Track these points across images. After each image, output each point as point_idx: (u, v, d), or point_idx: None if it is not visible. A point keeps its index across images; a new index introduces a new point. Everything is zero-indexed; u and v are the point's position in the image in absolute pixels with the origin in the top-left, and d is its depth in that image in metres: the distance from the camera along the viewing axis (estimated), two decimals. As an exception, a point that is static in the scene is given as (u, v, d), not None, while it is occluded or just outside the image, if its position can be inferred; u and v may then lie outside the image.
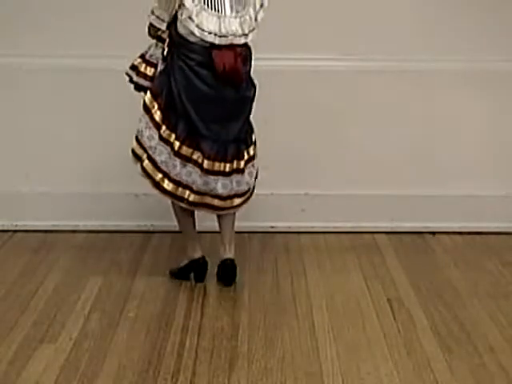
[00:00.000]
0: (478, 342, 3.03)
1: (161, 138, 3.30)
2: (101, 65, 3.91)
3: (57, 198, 4.13)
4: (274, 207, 4.16)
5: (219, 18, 3.20)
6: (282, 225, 4.18)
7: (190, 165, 3.32)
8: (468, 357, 2.92)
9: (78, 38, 3.95)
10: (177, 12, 3.22)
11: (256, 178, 3.53)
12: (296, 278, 3.62)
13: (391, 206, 4.17)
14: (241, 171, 3.40)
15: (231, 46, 3.23)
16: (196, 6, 3.18)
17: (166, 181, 3.34)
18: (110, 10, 3.90)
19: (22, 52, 3.97)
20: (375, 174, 4.14)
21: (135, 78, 3.39)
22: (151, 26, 3.30)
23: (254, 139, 3.48)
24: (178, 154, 3.31)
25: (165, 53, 3.30)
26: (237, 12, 3.24)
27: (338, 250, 3.98)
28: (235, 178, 3.39)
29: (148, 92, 3.32)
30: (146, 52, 3.37)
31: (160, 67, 3.32)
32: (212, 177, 3.33)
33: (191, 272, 3.55)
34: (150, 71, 3.36)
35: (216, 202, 3.40)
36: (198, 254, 3.53)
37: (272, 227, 4.18)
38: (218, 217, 3.56)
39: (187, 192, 3.35)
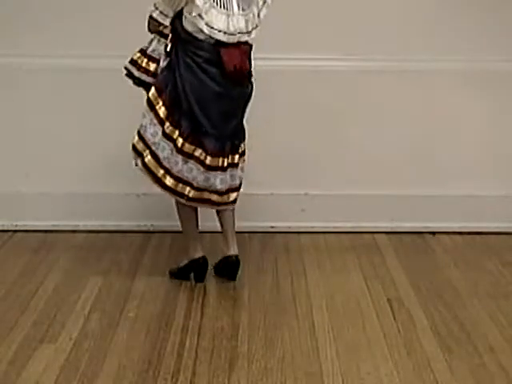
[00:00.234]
0: (478, 342, 3.03)
1: (164, 134, 3.30)
2: (101, 65, 3.91)
3: (57, 198, 4.13)
4: (274, 207, 4.16)
5: (228, 15, 3.20)
6: (281, 225, 4.18)
7: (192, 161, 3.33)
8: (468, 357, 2.92)
9: (78, 37, 3.95)
10: (182, 8, 3.21)
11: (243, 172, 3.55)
12: (296, 278, 3.62)
13: (391, 206, 4.17)
14: (235, 165, 3.42)
15: (237, 44, 3.23)
16: (205, 3, 3.17)
17: (168, 177, 3.34)
18: (109, 10, 3.90)
19: (22, 52, 3.97)
20: (375, 174, 4.14)
21: (137, 74, 3.37)
22: (154, 20, 3.28)
23: (246, 135, 3.49)
24: (180, 150, 3.31)
25: (168, 48, 3.29)
26: (243, 10, 3.24)
27: (338, 250, 3.98)
28: (230, 172, 3.40)
29: (152, 88, 3.31)
30: (147, 47, 3.36)
31: (163, 63, 3.32)
32: (212, 172, 3.35)
33: (191, 272, 3.55)
34: (152, 66, 3.35)
35: (215, 197, 3.41)
36: (198, 254, 3.53)
37: (272, 227, 4.18)
38: (219, 215, 3.56)
39: (187, 188, 3.36)
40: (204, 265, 3.54)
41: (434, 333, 3.10)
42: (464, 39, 4.02)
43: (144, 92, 3.38)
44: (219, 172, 3.36)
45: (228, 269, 3.54)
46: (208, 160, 3.32)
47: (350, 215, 4.17)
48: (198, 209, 3.50)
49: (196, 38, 3.22)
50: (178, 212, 3.51)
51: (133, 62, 3.38)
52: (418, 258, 3.90)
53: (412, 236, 4.15)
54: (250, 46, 3.34)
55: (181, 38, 3.25)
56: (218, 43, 3.22)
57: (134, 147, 3.38)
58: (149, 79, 3.36)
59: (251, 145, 3.54)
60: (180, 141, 3.29)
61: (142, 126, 3.35)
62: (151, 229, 4.15)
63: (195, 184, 3.35)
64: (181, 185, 3.35)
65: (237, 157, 3.42)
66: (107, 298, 3.39)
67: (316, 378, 2.77)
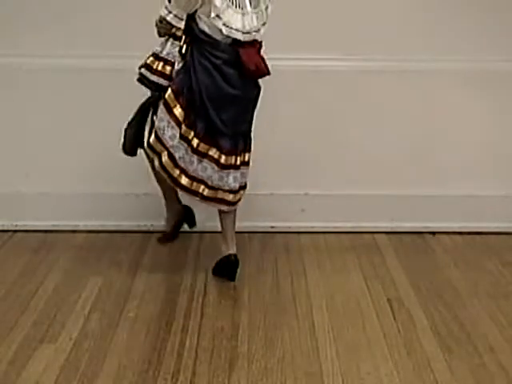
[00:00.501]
0: (478, 342, 3.03)
1: (181, 135, 3.31)
2: (101, 65, 3.91)
3: (57, 198, 4.13)
4: (274, 207, 4.16)
5: (243, 14, 3.21)
6: (281, 225, 4.18)
7: (206, 160, 3.35)
8: (468, 357, 2.92)
9: (78, 37, 3.95)
10: (196, 10, 3.21)
11: None
12: (296, 278, 3.62)
13: (391, 206, 4.17)
14: (247, 163, 3.46)
15: (252, 43, 3.25)
16: (223, 3, 3.17)
17: (183, 176, 3.36)
18: (110, 10, 3.90)
19: (22, 52, 3.97)
20: (375, 174, 4.14)
21: (153, 78, 3.35)
22: (167, 23, 3.25)
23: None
24: (196, 151, 3.33)
25: (183, 50, 3.29)
26: (254, 8, 3.25)
27: (338, 250, 3.98)
28: (242, 170, 3.43)
29: (169, 90, 3.30)
30: (160, 51, 3.35)
31: (178, 65, 3.31)
32: (226, 171, 3.37)
33: (182, 225, 3.76)
34: (167, 69, 3.33)
35: (230, 196, 3.44)
36: (180, 206, 3.70)
37: (272, 227, 4.18)
38: (220, 215, 3.57)
39: (202, 186, 3.38)
40: (190, 210, 3.72)
41: (433, 333, 3.10)
42: (464, 39, 4.02)
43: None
44: (232, 170, 3.38)
45: (227, 269, 3.54)
46: (223, 159, 3.35)
47: (350, 215, 4.17)
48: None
49: (213, 39, 3.23)
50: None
51: (147, 66, 3.36)
52: (418, 258, 3.90)
53: (412, 236, 4.15)
54: (260, 43, 3.34)
55: (197, 40, 3.25)
56: (235, 43, 3.23)
57: (151, 147, 3.36)
58: (166, 82, 3.34)
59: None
60: (196, 141, 3.31)
61: (159, 128, 3.33)
62: (151, 229, 4.15)
63: (209, 183, 3.37)
64: (195, 183, 3.37)
65: (247, 155, 3.45)
66: (107, 298, 3.39)
67: (316, 378, 2.77)
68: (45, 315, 3.22)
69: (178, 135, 3.31)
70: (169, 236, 3.82)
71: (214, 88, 3.26)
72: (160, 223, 4.06)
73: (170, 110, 3.30)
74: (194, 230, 3.99)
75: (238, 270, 3.56)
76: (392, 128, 4.10)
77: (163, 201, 3.78)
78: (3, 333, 3.07)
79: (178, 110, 3.29)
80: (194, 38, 3.25)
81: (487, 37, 4.02)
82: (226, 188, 3.40)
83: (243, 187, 3.50)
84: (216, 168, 3.35)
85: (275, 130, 3.99)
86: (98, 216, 4.13)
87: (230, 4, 3.19)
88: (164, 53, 3.34)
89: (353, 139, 4.11)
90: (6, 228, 4.14)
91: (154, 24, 3.30)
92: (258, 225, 4.15)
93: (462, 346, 3.00)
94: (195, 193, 3.39)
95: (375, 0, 4.00)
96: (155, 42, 3.36)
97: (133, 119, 3.44)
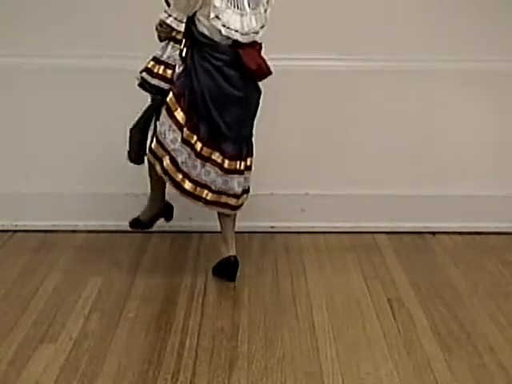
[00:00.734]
0: (477, 341, 3.03)
1: (183, 139, 3.30)
2: (101, 65, 3.91)
3: (57, 198, 4.13)
4: (274, 207, 4.16)
5: (242, 15, 3.21)
6: (281, 225, 4.18)
7: (209, 164, 3.34)
8: (468, 357, 2.92)
9: (78, 38, 3.95)
10: (196, 12, 3.21)
11: None
12: (296, 278, 3.62)
13: (391, 206, 4.17)
14: (250, 168, 3.46)
15: (252, 44, 3.25)
16: (221, 4, 3.18)
17: (187, 181, 3.35)
18: (110, 10, 3.90)
19: (22, 52, 3.97)
20: (375, 174, 4.14)
21: (154, 82, 3.33)
22: (168, 27, 3.24)
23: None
24: (199, 155, 3.32)
25: (183, 53, 3.28)
26: (253, 9, 3.25)
27: (338, 250, 3.98)
28: (245, 174, 3.43)
29: (170, 94, 3.29)
30: (160, 54, 3.33)
31: (179, 68, 3.30)
32: (230, 175, 3.36)
33: (158, 219, 3.71)
34: (168, 73, 3.31)
35: (233, 201, 3.43)
36: (163, 202, 3.66)
37: (272, 227, 4.18)
38: (220, 216, 3.56)
39: (205, 191, 3.37)
40: (169, 207, 3.68)
41: (433, 333, 3.10)
42: (464, 39, 4.02)
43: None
44: (236, 175, 3.38)
45: (227, 270, 3.54)
46: (226, 163, 3.34)
47: (350, 215, 4.17)
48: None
49: (213, 41, 3.23)
50: (150, 173, 3.52)
51: (147, 70, 3.34)
52: (418, 258, 3.90)
53: (412, 236, 4.15)
54: (260, 45, 3.35)
55: (197, 42, 3.24)
56: (235, 44, 3.23)
57: (153, 152, 3.35)
58: (167, 86, 3.32)
59: (253, 149, 3.54)
60: (199, 145, 3.30)
61: (160, 132, 3.31)
62: (151, 229, 4.15)
63: (213, 187, 3.37)
64: (199, 188, 3.36)
65: (249, 159, 3.44)
66: (107, 298, 3.39)
67: (316, 378, 2.77)
68: (45, 315, 3.22)
69: (179, 139, 3.29)
70: (143, 225, 3.72)
71: (216, 89, 3.25)
72: (160, 223, 4.05)
73: (171, 114, 3.29)
74: (194, 230, 4.00)
75: (238, 271, 3.56)
76: (392, 128, 4.10)
77: (148, 191, 3.72)
78: (3, 333, 3.07)
79: (179, 114, 3.28)
80: (194, 40, 3.25)
81: (487, 37, 4.02)
82: (231, 193, 3.40)
83: (246, 191, 3.50)
84: (220, 172, 3.35)
85: (275, 130, 3.99)
86: (98, 216, 4.13)
87: (229, 5, 3.19)
88: (165, 56, 3.33)
89: (353, 139, 4.11)
90: (5, 228, 4.14)
91: (154, 28, 3.29)
92: (258, 225, 4.15)
93: (462, 346, 3.00)
94: (198, 198, 3.38)
95: (375, 0, 4.00)
96: (155, 43, 3.35)
97: (135, 126, 3.42)
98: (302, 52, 3.96)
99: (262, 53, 3.38)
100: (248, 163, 3.44)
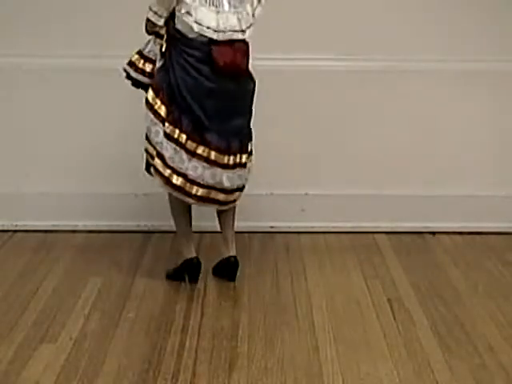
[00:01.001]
0: (477, 341, 3.03)
1: (165, 134, 3.31)
2: (101, 65, 3.91)
3: (57, 198, 4.13)
4: (273, 207, 4.16)
5: (218, 13, 3.21)
6: (281, 225, 4.18)
7: (195, 159, 3.33)
8: (468, 357, 2.92)
9: (78, 37, 3.95)
10: (175, 8, 3.23)
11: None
12: (296, 278, 3.62)
13: (391, 206, 4.17)
14: (243, 165, 3.42)
15: (228, 42, 3.23)
16: (194, 1, 3.19)
17: (175, 176, 3.34)
18: (110, 10, 3.90)
19: (22, 52, 3.97)
20: (375, 174, 4.14)
21: (134, 74, 3.39)
22: (149, 21, 3.29)
23: (252, 135, 3.49)
24: (184, 146, 3.31)
25: (163, 49, 3.30)
26: (235, 8, 3.25)
27: (338, 250, 3.98)
28: (238, 171, 3.41)
29: (150, 89, 3.32)
30: (144, 48, 3.38)
31: (158, 63, 3.33)
32: (219, 169, 3.35)
33: (185, 272, 3.54)
34: (148, 67, 3.36)
35: (221, 196, 3.41)
36: (191, 254, 3.53)
37: (272, 227, 4.18)
38: (219, 216, 3.56)
39: (195, 187, 3.36)
40: (197, 265, 3.53)
41: (433, 333, 3.10)
42: (464, 39, 4.02)
43: (143, 93, 3.38)
44: (225, 170, 3.36)
45: (227, 270, 3.54)
46: (213, 155, 3.32)
47: (350, 215, 4.17)
48: (192, 209, 3.51)
49: (187, 37, 3.23)
50: (172, 212, 3.52)
51: (130, 63, 3.39)
52: (418, 258, 3.90)
53: (412, 236, 4.15)
54: (247, 45, 3.33)
55: (174, 38, 3.27)
56: (211, 41, 3.23)
57: (147, 151, 3.39)
58: (145, 80, 3.37)
59: (249, 147, 3.54)
60: (184, 137, 3.30)
61: (147, 128, 3.35)
62: (151, 229, 4.15)
63: (202, 182, 3.36)
64: (188, 184, 3.35)
65: (244, 157, 3.42)
66: (107, 298, 3.39)
67: (316, 378, 2.77)
68: (45, 315, 3.22)
69: (161, 132, 3.30)
70: (167, 276, 3.59)
71: (190, 80, 3.25)
72: (160, 223, 4.06)
73: (152, 108, 3.31)
74: (194, 230, 4.00)
75: (238, 272, 3.56)
76: (392, 128, 4.10)
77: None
78: (3, 333, 3.07)
79: (160, 108, 3.30)
80: (171, 36, 3.27)
81: (487, 37, 4.02)
82: (218, 187, 3.38)
83: (239, 189, 3.47)
84: (206, 165, 3.33)
85: (275, 130, 3.99)
86: (97, 216, 4.13)
87: (204, 2, 3.20)
88: (146, 50, 3.37)
89: (353, 139, 4.11)
90: (5, 228, 4.14)
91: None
92: (257, 225, 4.15)
93: (462, 346, 3.00)
94: (189, 194, 3.37)
95: (375, 0, 4.00)
96: (155, 42, 3.37)
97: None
98: (302, 52, 3.96)
99: (262, 53, 3.38)
100: (242, 160, 3.40)
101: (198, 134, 3.30)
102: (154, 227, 4.15)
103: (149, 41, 3.37)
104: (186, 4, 3.18)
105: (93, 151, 4.06)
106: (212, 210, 3.55)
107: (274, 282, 3.58)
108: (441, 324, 3.18)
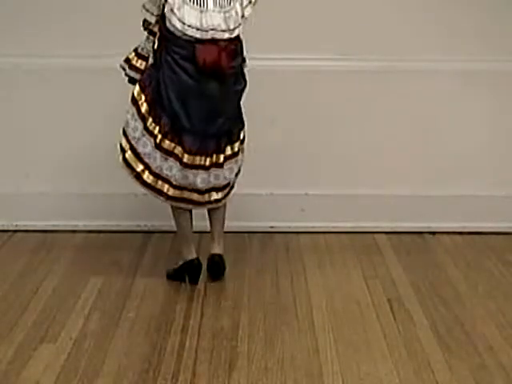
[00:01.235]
0: (477, 341, 3.03)
1: (147, 129, 3.32)
2: (101, 65, 3.91)
3: (57, 198, 4.13)
4: (273, 207, 4.16)
5: (201, 12, 3.21)
6: (281, 225, 4.18)
7: (171, 159, 3.33)
8: (468, 357, 2.92)
9: (77, 38, 3.95)
10: (164, 6, 3.24)
11: (237, 174, 3.53)
12: (296, 278, 3.62)
13: (391, 206, 4.16)
14: (220, 165, 3.39)
15: (214, 41, 3.23)
16: None
17: (147, 173, 3.36)
18: (110, 10, 3.90)
19: (22, 52, 3.97)
20: (375, 174, 4.14)
21: (127, 71, 3.42)
22: (144, 19, 3.33)
23: (242, 136, 3.48)
24: (159, 147, 3.32)
25: (155, 46, 3.32)
26: (221, 7, 3.24)
27: (338, 250, 3.98)
28: (213, 171, 3.39)
29: (137, 84, 3.35)
30: (139, 45, 3.40)
31: (150, 60, 3.35)
32: (191, 171, 3.35)
33: (185, 273, 3.54)
34: (141, 64, 3.38)
35: (195, 196, 3.41)
36: (192, 256, 3.53)
37: (272, 227, 4.18)
38: (209, 214, 3.57)
39: (166, 186, 3.37)
40: (197, 266, 3.53)
41: (433, 333, 3.10)
42: (464, 39, 4.01)
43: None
44: (200, 171, 3.35)
45: (210, 268, 3.54)
46: (185, 158, 3.32)
47: (350, 215, 4.17)
48: (193, 210, 3.51)
49: (174, 35, 3.24)
50: (173, 213, 3.52)
51: (126, 60, 3.42)
52: (418, 258, 3.90)
53: (412, 236, 4.15)
54: (237, 44, 3.31)
55: (163, 36, 3.28)
56: (196, 40, 3.23)
57: (120, 145, 3.41)
58: (138, 76, 3.39)
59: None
60: (159, 137, 3.31)
61: (125, 121, 3.38)
62: (151, 229, 4.16)
63: (174, 182, 3.36)
64: (160, 182, 3.36)
65: (222, 157, 3.39)
66: (107, 298, 3.39)
67: (316, 378, 2.77)
68: (45, 315, 3.22)
69: (140, 128, 3.32)
70: (168, 276, 3.60)
71: (175, 78, 3.25)
72: (160, 223, 4.06)
73: (135, 103, 3.33)
74: (194, 230, 3.99)
75: (226, 268, 3.55)
76: (392, 128, 4.10)
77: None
78: (3, 333, 3.07)
79: (142, 104, 3.32)
80: (162, 34, 3.28)
81: (487, 37, 4.02)
82: (193, 187, 3.38)
83: (218, 189, 3.44)
84: (179, 167, 3.33)
85: (275, 129, 3.99)
86: (97, 216, 4.13)
87: (188, 1, 3.20)
88: (140, 48, 3.40)
89: (353, 139, 4.11)
90: (5, 228, 4.14)
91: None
92: (257, 225, 4.15)
93: (462, 346, 3.00)
94: (159, 192, 3.38)
95: (375, 0, 4.00)
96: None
97: None
98: (301, 52, 3.96)
99: (261, 53, 3.38)
100: (219, 160, 3.37)
101: (175, 134, 3.31)
102: (154, 227, 4.15)
103: (144, 38, 3.39)
104: (168, 3, 3.20)
105: (93, 151, 4.06)
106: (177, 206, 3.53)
107: (274, 282, 3.58)
108: (441, 324, 3.18)
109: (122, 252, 3.89)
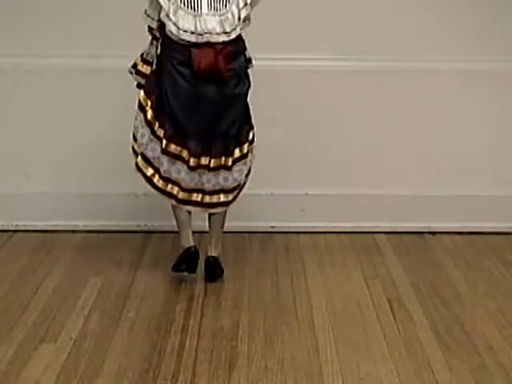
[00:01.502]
0: (477, 341, 3.03)
1: (154, 134, 3.34)
2: (101, 65, 3.92)
3: (57, 198, 4.13)
4: (273, 207, 4.16)
5: (195, 16, 3.22)
6: (281, 225, 4.18)
7: (179, 162, 3.35)
8: (468, 357, 2.92)
9: (77, 38, 3.95)
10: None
11: (247, 175, 3.53)
12: (296, 278, 3.62)
13: (391, 206, 4.16)
14: (228, 168, 3.40)
15: (210, 44, 3.23)
16: (173, 4, 3.21)
17: (157, 177, 3.39)
18: (110, 10, 3.90)
19: (22, 52, 3.97)
20: (375, 174, 4.14)
21: (134, 77, 3.44)
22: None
23: (251, 137, 3.48)
24: (165, 151, 3.35)
25: (158, 51, 3.34)
26: (216, 10, 3.24)
27: (338, 250, 3.98)
28: (222, 173, 3.40)
29: (141, 90, 3.37)
30: (145, 51, 3.41)
31: (154, 66, 3.36)
32: (197, 171, 3.37)
33: (184, 262, 3.53)
34: (146, 69, 3.40)
35: (203, 198, 3.42)
36: (189, 243, 3.53)
37: (272, 227, 4.18)
38: (209, 215, 3.57)
39: (176, 189, 3.39)
40: (195, 254, 3.52)
41: (433, 333, 3.10)
42: (464, 39, 4.02)
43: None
44: (205, 171, 3.36)
45: (206, 270, 3.55)
46: (191, 161, 3.34)
47: (350, 215, 4.17)
48: None
49: (172, 40, 3.26)
50: (173, 208, 3.53)
51: (134, 65, 3.43)
52: (418, 258, 3.90)
53: (412, 236, 4.15)
54: (234, 46, 3.29)
55: (163, 41, 3.30)
56: (193, 44, 3.23)
57: (133, 148, 3.45)
58: (143, 82, 3.41)
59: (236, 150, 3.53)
60: (164, 142, 3.34)
61: (134, 127, 3.40)
62: (151, 229, 4.16)
63: (183, 185, 3.38)
64: (170, 185, 3.39)
65: (230, 160, 3.40)
66: (107, 298, 3.39)
67: (316, 378, 2.77)
68: (45, 315, 3.22)
69: (147, 134, 3.35)
70: (172, 268, 3.63)
71: (176, 87, 3.27)
72: (160, 223, 4.06)
73: (142, 109, 3.36)
74: (194, 230, 3.99)
75: (224, 270, 3.56)
76: (392, 128, 4.10)
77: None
78: (3, 333, 3.06)
79: (148, 110, 3.34)
80: (163, 39, 3.30)
81: (487, 37, 4.02)
82: (198, 188, 3.39)
83: (227, 191, 3.44)
84: (187, 170, 3.35)
85: (275, 129, 3.99)
86: (98, 216, 4.13)
87: (182, 5, 3.21)
88: (145, 53, 3.41)
89: (353, 139, 4.11)
90: (5, 228, 4.14)
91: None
92: (257, 225, 4.15)
93: (462, 346, 3.00)
94: (170, 195, 3.41)
95: (375, 0, 4.00)
96: (155, 42, 3.37)
97: None
98: (301, 52, 3.96)
99: (261, 53, 3.38)
100: (227, 163, 3.38)
101: (180, 137, 3.33)
102: (154, 227, 4.15)
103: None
104: (163, 8, 3.22)
105: (93, 151, 4.06)
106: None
107: (274, 282, 3.58)
108: (441, 324, 3.17)
109: (122, 252, 3.89)
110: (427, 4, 4.00)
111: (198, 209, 3.47)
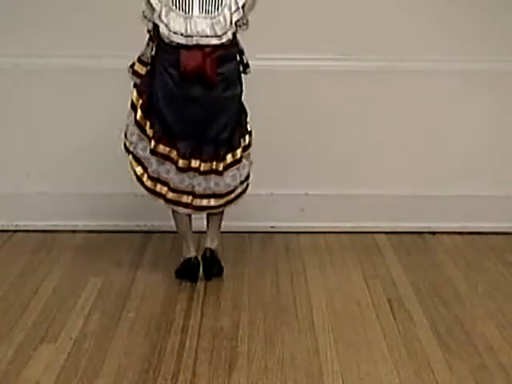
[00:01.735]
0: (477, 341, 3.03)
1: (145, 134, 3.37)
2: (101, 65, 3.91)
3: (57, 198, 4.13)
4: (274, 207, 4.16)
5: (186, 18, 3.22)
6: (281, 225, 4.18)
7: (168, 162, 3.36)
8: (468, 357, 2.92)
9: (78, 37, 3.95)
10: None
11: (246, 180, 3.52)
12: (296, 278, 3.62)
13: (391, 206, 4.16)
14: (219, 173, 3.39)
15: (199, 47, 3.23)
16: (165, 6, 3.22)
17: (146, 176, 3.41)
18: (110, 10, 3.90)
19: (22, 52, 3.97)
20: (375, 174, 4.14)
21: (131, 76, 3.43)
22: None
23: (246, 142, 3.47)
24: (153, 152, 3.36)
25: (153, 52, 3.35)
26: (207, 13, 3.23)
27: (338, 250, 3.98)
28: (214, 178, 3.39)
29: (134, 90, 3.39)
30: (142, 51, 3.41)
31: (148, 67, 3.38)
32: (187, 174, 3.37)
33: (185, 271, 3.55)
34: (141, 70, 3.40)
35: (192, 200, 3.41)
36: (190, 254, 3.54)
37: (272, 227, 4.18)
38: (207, 216, 3.57)
39: (165, 189, 3.40)
40: (196, 265, 3.53)
41: (433, 333, 3.10)
42: (464, 39, 4.01)
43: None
44: (196, 174, 3.37)
45: (203, 263, 3.54)
46: (180, 162, 3.34)
47: (350, 215, 4.17)
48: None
49: (164, 42, 3.27)
50: (173, 213, 3.53)
51: (131, 65, 3.43)
52: (418, 258, 3.90)
53: (412, 236, 4.15)
54: (225, 50, 3.28)
55: (158, 43, 3.31)
56: (182, 46, 3.24)
57: (125, 145, 3.47)
58: (139, 82, 3.42)
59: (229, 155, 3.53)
60: (153, 143, 3.35)
61: (126, 125, 3.43)
62: (151, 229, 4.16)
63: (171, 185, 3.39)
64: (159, 185, 3.41)
65: (221, 165, 3.38)
66: (107, 298, 3.39)
67: (316, 378, 2.77)
68: (45, 315, 3.22)
69: (136, 133, 3.37)
70: (176, 273, 3.63)
71: (165, 89, 3.28)
72: (160, 223, 4.06)
73: (134, 109, 3.38)
74: (194, 229, 3.99)
75: (223, 266, 3.56)
76: (392, 128, 4.10)
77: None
78: (3, 333, 3.07)
79: (139, 111, 3.36)
80: (157, 41, 3.31)
81: (487, 37, 4.02)
82: (188, 190, 3.39)
83: (219, 196, 3.43)
84: (175, 170, 3.36)
85: (275, 130, 3.99)
86: (97, 216, 4.13)
87: (174, 8, 3.22)
88: (141, 53, 3.41)
89: (353, 139, 4.11)
90: (5, 228, 4.14)
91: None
92: (257, 225, 4.15)
93: (462, 346, 3.00)
94: (159, 194, 3.42)
95: (375, 0, 4.00)
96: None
97: None
98: (301, 52, 3.96)
99: (261, 53, 3.38)
100: (219, 168, 3.37)
101: (169, 138, 3.34)
102: (154, 227, 4.15)
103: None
104: (155, 10, 3.23)
105: (93, 151, 4.06)
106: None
107: (274, 282, 3.58)
108: (441, 324, 3.18)
109: (122, 252, 3.89)
110: (427, 4, 4.00)
111: (188, 210, 3.47)
